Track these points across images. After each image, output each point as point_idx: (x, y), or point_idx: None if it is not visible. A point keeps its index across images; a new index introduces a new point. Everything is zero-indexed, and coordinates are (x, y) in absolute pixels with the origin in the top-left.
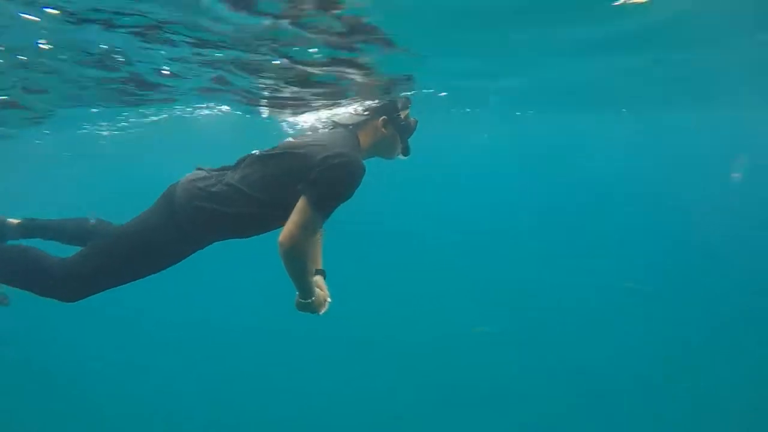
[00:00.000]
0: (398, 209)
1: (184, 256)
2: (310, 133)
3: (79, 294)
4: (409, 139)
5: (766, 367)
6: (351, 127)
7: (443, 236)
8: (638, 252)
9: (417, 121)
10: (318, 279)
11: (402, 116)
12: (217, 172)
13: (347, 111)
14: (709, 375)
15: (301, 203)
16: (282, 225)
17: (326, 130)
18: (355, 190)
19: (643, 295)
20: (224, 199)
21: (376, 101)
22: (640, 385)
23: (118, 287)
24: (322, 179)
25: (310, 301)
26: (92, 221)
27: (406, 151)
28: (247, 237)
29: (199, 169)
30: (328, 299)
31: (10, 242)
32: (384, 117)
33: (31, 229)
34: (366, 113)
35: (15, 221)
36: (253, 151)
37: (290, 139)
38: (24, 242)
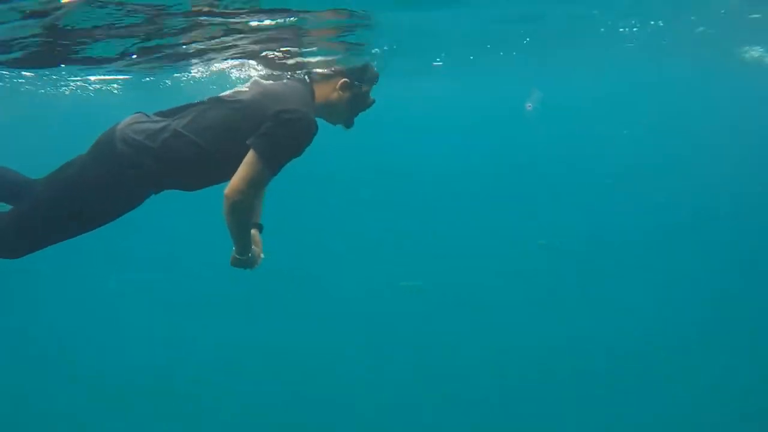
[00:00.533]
0: (327, 164)
1: (127, 209)
2: (264, 82)
3: (20, 252)
4: (357, 114)
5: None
6: (309, 80)
7: (370, 190)
8: (558, 210)
9: (374, 101)
10: (254, 233)
11: (363, 88)
12: (160, 118)
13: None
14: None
15: (249, 157)
16: (229, 179)
17: (282, 80)
18: (306, 147)
19: (556, 250)
20: (168, 147)
21: (343, 64)
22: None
23: (59, 243)
24: (274, 134)
25: (246, 257)
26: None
27: (349, 123)
28: (193, 190)
29: (139, 113)
30: (262, 255)
31: None
32: (345, 80)
33: None
34: (331, 70)
35: None
36: (204, 98)
37: (243, 87)
38: None
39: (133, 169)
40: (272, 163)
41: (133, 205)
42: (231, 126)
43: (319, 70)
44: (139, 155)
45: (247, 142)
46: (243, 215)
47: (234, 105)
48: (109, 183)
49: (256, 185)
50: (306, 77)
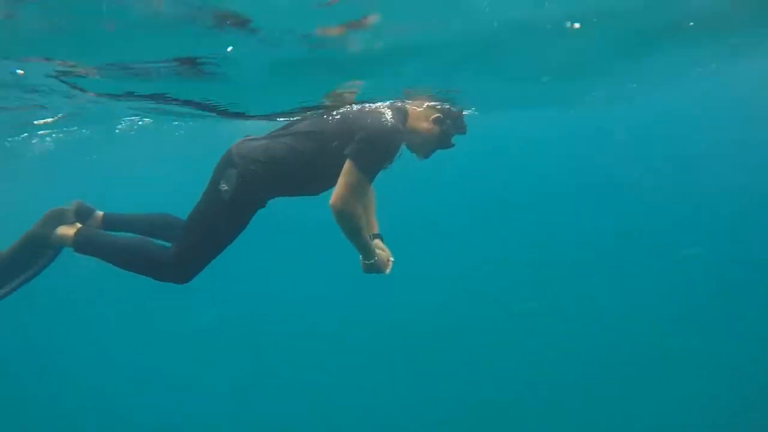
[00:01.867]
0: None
1: (253, 212)
2: (359, 107)
3: (192, 273)
4: (436, 150)
5: None
6: (406, 107)
7: (483, 215)
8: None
9: (454, 146)
10: (377, 242)
11: (451, 130)
12: (265, 135)
13: None
14: None
15: (346, 165)
16: (332, 186)
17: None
18: (393, 154)
19: (702, 260)
20: (272, 154)
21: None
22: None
23: (218, 256)
24: (363, 142)
25: (372, 261)
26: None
27: (427, 155)
28: (301, 194)
29: (248, 136)
30: (391, 258)
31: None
32: (439, 115)
33: (113, 222)
34: (428, 106)
35: (100, 214)
36: (305, 115)
37: (343, 110)
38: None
39: (247, 176)
40: (364, 168)
41: (255, 210)
42: (324, 132)
43: (419, 102)
44: (250, 163)
45: (345, 152)
46: (351, 219)
47: (333, 121)
48: (236, 195)
49: (354, 189)
50: (403, 104)
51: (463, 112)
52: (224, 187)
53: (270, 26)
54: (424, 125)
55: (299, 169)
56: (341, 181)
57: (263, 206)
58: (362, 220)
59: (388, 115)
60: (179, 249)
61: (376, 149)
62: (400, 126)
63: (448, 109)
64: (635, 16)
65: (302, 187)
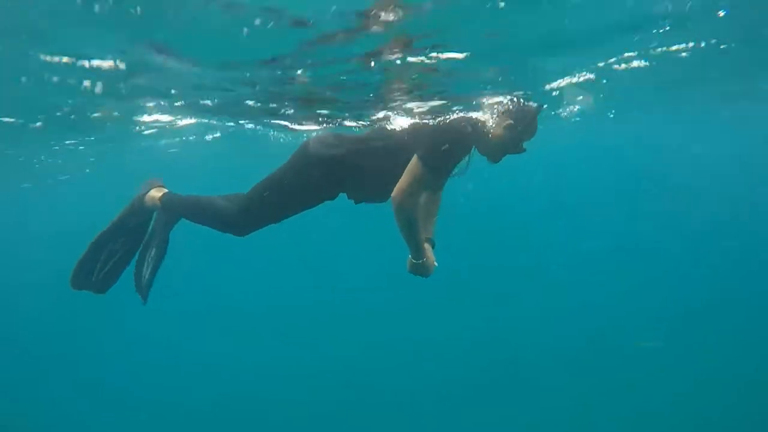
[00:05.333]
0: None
1: (319, 201)
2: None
3: (249, 229)
4: (506, 154)
5: None
6: (479, 118)
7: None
8: None
9: (525, 150)
10: (427, 246)
11: (522, 136)
12: (347, 134)
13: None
14: None
15: (412, 159)
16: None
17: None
18: (459, 154)
19: None
20: (351, 151)
21: (518, 102)
22: None
23: (273, 223)
24: (427, 137)
25: (420, 261)
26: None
27: (497, 159)
28: (372, 198)
29: (330, 132)
30: (435, 263)
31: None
32: (510, 121)
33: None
34: (504, 111)
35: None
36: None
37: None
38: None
39: (323, 164)
40: (429, 163)
41: (328, 195)
42: (407, 139)
43: (495, 109)
44: (328, 154)
45: (416, 153)
46: (406, 213)
47: (409, 129)
48: (305, 176)
49: (415, 183)
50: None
51: (541, 108)
52: (299, 171)
53: None
54: (497, 131)
55: (375, 172)
56: (405, 173)
57: (334, 197)
58: (418, 217)
59: (461, 121)
60: (250, 196)
61: (440, 145)
62: (470, 129)
63: (523, 111)
64: None
65: (375, 190)
